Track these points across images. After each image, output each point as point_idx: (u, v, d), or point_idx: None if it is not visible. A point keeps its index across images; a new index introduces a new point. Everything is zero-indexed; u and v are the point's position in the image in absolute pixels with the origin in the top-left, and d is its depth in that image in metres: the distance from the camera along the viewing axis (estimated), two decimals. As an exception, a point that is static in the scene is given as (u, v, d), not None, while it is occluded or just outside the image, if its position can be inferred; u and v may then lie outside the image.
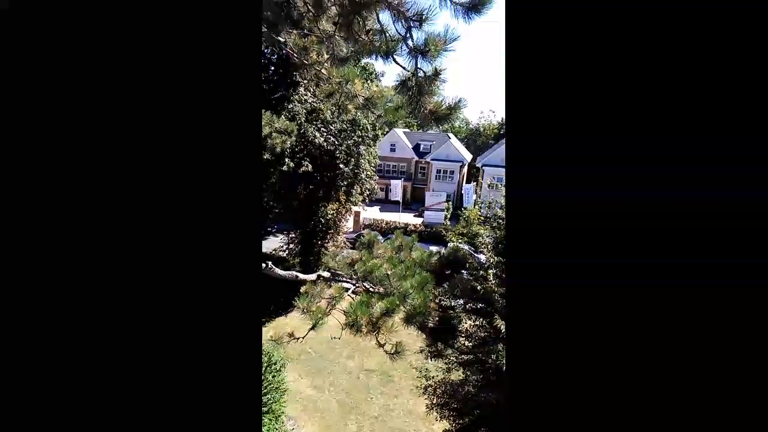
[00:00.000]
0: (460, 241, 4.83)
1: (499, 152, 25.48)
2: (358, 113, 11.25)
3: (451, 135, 33.71)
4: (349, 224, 17.25)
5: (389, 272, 4.70)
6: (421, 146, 30.96)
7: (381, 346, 3.85)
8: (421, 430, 7.01)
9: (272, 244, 15.31)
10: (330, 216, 13.31)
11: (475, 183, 24.85)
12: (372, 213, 23.88)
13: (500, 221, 4.95)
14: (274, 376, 6.48)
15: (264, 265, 4.91)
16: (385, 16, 2.52)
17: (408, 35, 2.35)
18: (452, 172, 28.48)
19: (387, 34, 2.56)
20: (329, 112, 11.90)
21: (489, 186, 21.08)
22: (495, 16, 2.34)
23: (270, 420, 6.15)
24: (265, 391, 6.12)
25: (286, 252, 13.60)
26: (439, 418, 5.14)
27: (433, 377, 5.39)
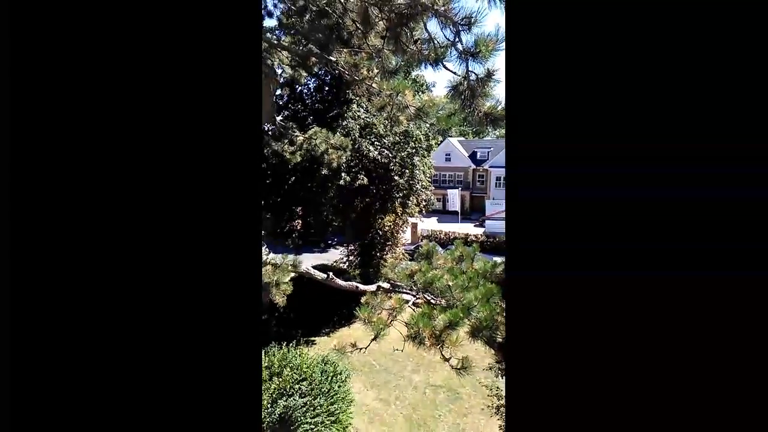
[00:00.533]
0: (525, 249, 4.51)
1: (563, 153, 23.84)
2: (411, 124, 11.33)
3: (508, 139, 32.41)
4: (407, 236, 17.24)
5: (450, 283, 4.55)
6: (478, 154, 30.17)
7: (446, 360, 3.71)
8: (494, 453, 6.59)
9: (333, 256, 15.82)
10: (387, 228, 13.43)
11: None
12: (430, 224, 23.65)
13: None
14: (339, 386, 6.57)
15: (325, 275, 5.06)
16: (433, 24, 2.50)
17: (457, 39, 2.30)
18: (512, 178, 27.26)
19: (435, 42, 2.53)
20: (382, 126, 12.16)
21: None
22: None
23: (338, 430, 6.22)
24: (332, 400, 6.22)
25: (346, 264, 13.93)
26: (512, 441, 4.78)
27: (504, 396, 5.05)
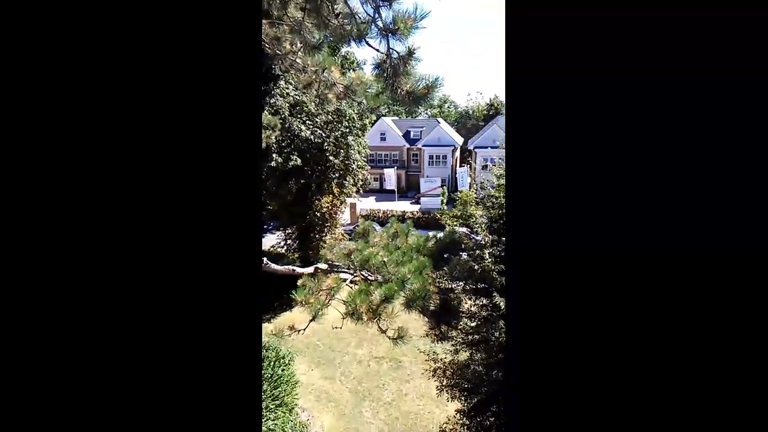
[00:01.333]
0: (456, 224, 4.82)
1: (489, 134, 25.36)
2: (343, 103, 11.13)
3: (440, 120, 33.50)
4: (345, 216, 17.24)
5: (386, 259, 4.70)
6: (412, 133, 30.75)
7: (383, 332, 3.87)
8: (435, 412, 7.11)
9: (270, 241, 15.30)
10: (325, 209, 13.28)
11: (468, 166, 24.81)
12: (368, 203, 23.85)
13: (493, 201, 4.93)
14: (283, 370, 6.55)
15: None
16: (354, -1, 2.45)
17: (377, 15, 2.29)
18: (445, 157, 28.37)
19: (357, 17, 2.49)
20: (312, 104, 11.77)
21: (483, 168, 21.04)
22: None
23: (284, 413, 6.23)
24: (275, 384, 6.18)
25: (284, 248, 13.59)
26: (450, 399, 5.21)
27: (441, 359, 5.45)
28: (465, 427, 5.08)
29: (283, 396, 6.27)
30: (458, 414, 5.32)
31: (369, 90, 3.90)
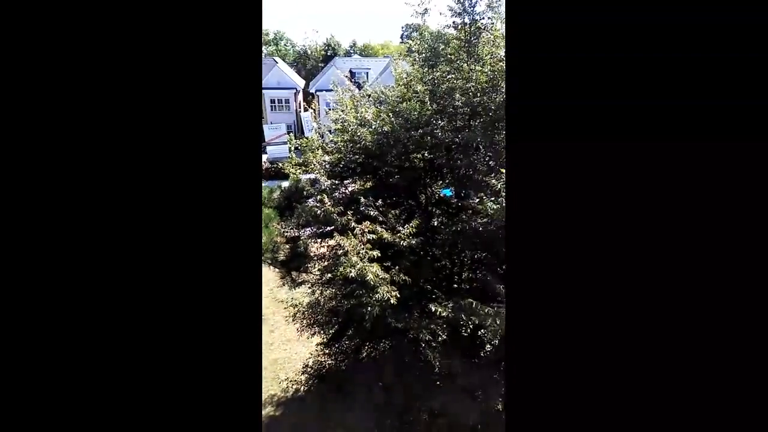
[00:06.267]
0: (299, 171, 4.88)
1: (329, 75, 25.01)
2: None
3: (278, 59, 31.02)
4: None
5: (228, 217, 4.47)
6: (248, 73, 27.71)
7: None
8: (301, 351, 7.59)
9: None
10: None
11: (312, 110, 24.33)
12: (206, 157, 21.16)
13: (333, 145, 5.12)
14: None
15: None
16: None
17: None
18: (287, 101, 26.96)
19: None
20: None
21: (326, 113, 21.00)
22: None
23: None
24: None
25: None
26: (311, 336, 5.63)
27: (299, 303, 5.73)
28: (326, 355, 5.67)
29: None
30: (319, 347, 5.85)
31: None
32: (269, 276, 4.54)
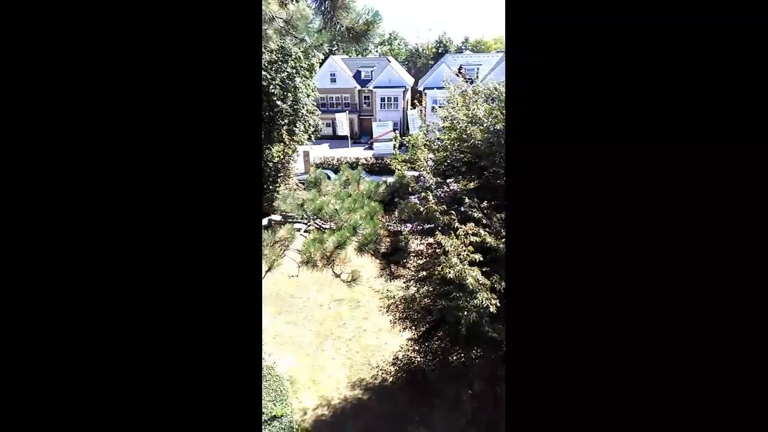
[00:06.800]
0: (405, 168, 4.97)
1: (439, 73, 24.86)
2: (287, 40, 10.26)
3: (390, 58, 32.09)
4: (299, 165, 16.76)
5: (338, 207, 4.80)
6: (363, 73, 29.39)
7: (337, 276, 4.10)
8: (391, 342, 7.82)
9: (220, 196, 14.65)
10: (276, 158, 12.81)
11: (419, 108, 24.62)
12: (321, 151, 23.22)
13: (439, 143, 5.08)
14: (245, 321, 6.73)
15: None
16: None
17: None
18: (396, 99, 27.75)
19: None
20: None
21: (432, 110, 20.95)
22: None
23: (249, 359, 6.53)
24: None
25: (237, 202, 13.14)
26: (402, 330, 5.74)
27: (394, 296, 5.88)
28: (415, 351, 5.71)
29: (247, 343, 6.52)
30: (410, 341, 5.92)
31: (311, 25, 3.68)
32: (369, 265, 4.74)
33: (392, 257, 4.63)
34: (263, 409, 6.42)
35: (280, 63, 11.61)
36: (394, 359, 6.18)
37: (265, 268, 4.26)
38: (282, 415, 6.29)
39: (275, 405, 6.49)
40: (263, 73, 11.21)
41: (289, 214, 5.30)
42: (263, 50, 10.96)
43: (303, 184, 13.63)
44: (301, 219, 5.15)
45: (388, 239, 4.76)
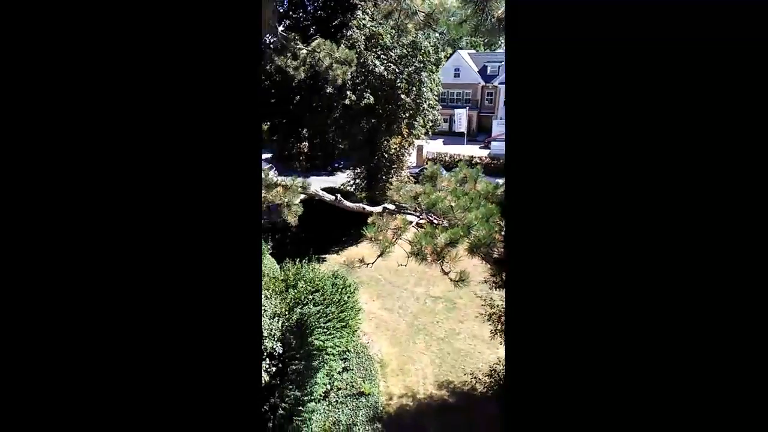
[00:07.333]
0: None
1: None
2: (419, 34, 10.42)
3: (524, 53, 29.91)
4: (412, 158, 17.10)
5: (453, 204, 4.72)
6: (488, 69, 28.18)
7: (446, 273, 4.04)
8: (485, 352, 7.47)
9: (339, 179, 15.95)
10: (393, 150, 13.27)
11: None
12: (435, 146, 23.22)
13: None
14: (349, 297, 7.23)
15: (333, 197, 5.24)
16: None
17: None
18: (524, 97, 25.84)
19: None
20: (389, 36, 11.22)
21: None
22: None
23: (348, 333, 7.02)
24: (342, 309, 6.90)
25: (353, 187, 14.12)
26: (502, 343, 5.41)
27: (497, 306, 5.58)
28: (515, 369, 5.32)
29: (348, 319, 7.00)
30: (510, 357, 5.55)
31: (452, 18, 3.63)
32: (477, 269, 4.55)
33: (504, 265, 4.36)
34: (353, 384, 6.85)
35: (409, 57, 11.88)
36: (490, 370, 5.89)
37: (375, 252, 4.47)
38: (369, 394, 6.60)
39: (364, 382, 6.84)
40: (393, 66, 11.63)
41: (403, 205, 5.43)
42: (397, 45, 11.39)
43: (414, 177, 13.88)
44: (414, 211, 5.22)
45: (503, 245, 4.49)
